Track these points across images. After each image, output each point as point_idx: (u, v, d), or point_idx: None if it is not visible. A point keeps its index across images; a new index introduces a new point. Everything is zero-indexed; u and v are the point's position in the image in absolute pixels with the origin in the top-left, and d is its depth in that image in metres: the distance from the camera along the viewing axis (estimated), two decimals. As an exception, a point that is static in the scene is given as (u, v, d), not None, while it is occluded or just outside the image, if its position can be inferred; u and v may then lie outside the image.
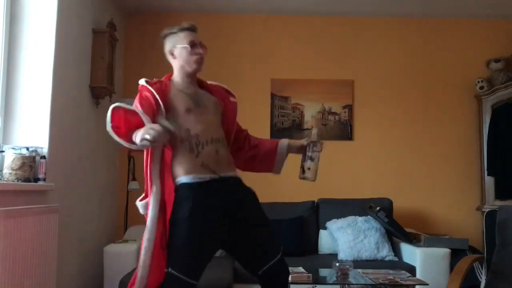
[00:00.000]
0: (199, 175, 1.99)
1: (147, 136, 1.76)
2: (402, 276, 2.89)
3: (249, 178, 4.63)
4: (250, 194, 2.17)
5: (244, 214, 2.06)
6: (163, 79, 2.24)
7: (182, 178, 2.00)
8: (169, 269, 1.89)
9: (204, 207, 1.95)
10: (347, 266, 2.84)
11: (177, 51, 2.21)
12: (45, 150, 2.83)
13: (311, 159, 2.21)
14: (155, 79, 2.19)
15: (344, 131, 4.59)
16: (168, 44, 2.26)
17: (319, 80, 4.60)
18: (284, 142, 2.41)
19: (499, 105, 4.38)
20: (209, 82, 2.41)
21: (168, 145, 2.05)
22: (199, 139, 2.02)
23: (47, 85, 2.90)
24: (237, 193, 2.10)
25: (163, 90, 2.10)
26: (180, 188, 2.00)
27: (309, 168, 2.23)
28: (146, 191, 1.99)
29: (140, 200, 2.02)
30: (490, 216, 2.78)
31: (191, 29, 2.23)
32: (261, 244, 2.07)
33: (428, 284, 2.86)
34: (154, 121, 1.97)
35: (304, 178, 2.26)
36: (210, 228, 1.95)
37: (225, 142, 2.16)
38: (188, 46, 2.18)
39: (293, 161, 4.64)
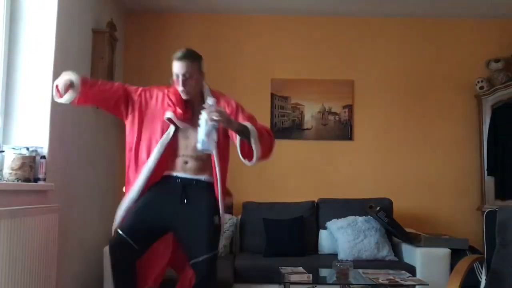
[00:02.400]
0: (169, 171, 2.45)
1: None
2: (402, 276, 2.89)
3: (250, 178, 4.66)
4: (204, 197, 2.43)
5: (189, 210, 2.38)
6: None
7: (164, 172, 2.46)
8: (116, 227, 2.41)
9: (162, 192, 2.41)
10: (347, 266, 2.84)
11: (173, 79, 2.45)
12: (45, 150, 2.83)
13: (199, 125, 2.20)
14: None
15: (344, 131, 4.59)
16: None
17: (319, 80, 4.60)
18: None
19: (499, 105, 4.38)
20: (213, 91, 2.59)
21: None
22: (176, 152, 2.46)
23: (47, 85, 2.90)
24: (191, 192, 2.41)
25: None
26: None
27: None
28: None
29: None
30: (490, 216, 2.78)
31: (178, 59, 2.38)
32: (192, 241, 2.35)
33: (428, 284, 2.86)
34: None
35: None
36: (157, 206, 2.39)
37: (192, 154, 2.43)
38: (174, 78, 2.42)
39: (292, 162, 4.65)
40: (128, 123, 2.48)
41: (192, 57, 2.40)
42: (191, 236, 2.35)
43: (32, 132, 2.84)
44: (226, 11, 4.58)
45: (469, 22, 4.67)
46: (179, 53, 2.37)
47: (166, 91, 2.47)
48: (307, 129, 4.58)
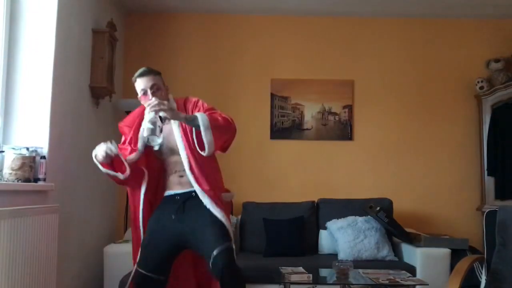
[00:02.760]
0: (167, 190, 2.45)
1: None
2: (402, 276, 2.89)
3: (250, 178, 4.65)
4: (202, 205, 2.34)
5: (191, 219, 2.34)
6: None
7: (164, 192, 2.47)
8: (135, 266, 2.35)
9: (163, 212, 2.39)
10: (347, 266, 2.84)
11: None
12: (45, 150, 2.83)
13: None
14: None
15: (344, 131, 4.59)
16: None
17: (319, 80, 4.60)
18: None
19: (499, 105, 4.38)
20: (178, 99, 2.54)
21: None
22: (169, 169, 2.45)
23: (47, 85, 2.90)
24: (191, 203, 2.36)
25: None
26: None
27: None
28: None
29: None
30: (490, 216, 2.78)
31: (142, 75, 2.38)
32: (204, 241, 2.28)
33: (428, 284, 2.85)
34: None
35: None
36: (160, 227, 2.36)
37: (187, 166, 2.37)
38: (139, 95, 2.41)
39: (292, 162, 4.65)
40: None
41: (154, 72, 2.41)
42: (200, 238, 2.28)
43: (32, 132, 2.85)
44: (226, 11, 4.59)
45: (469, 22, 4.67)
46: (140, 71, 2.38)
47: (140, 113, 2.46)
48: (307, 129, 4.58)
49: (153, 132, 2.18)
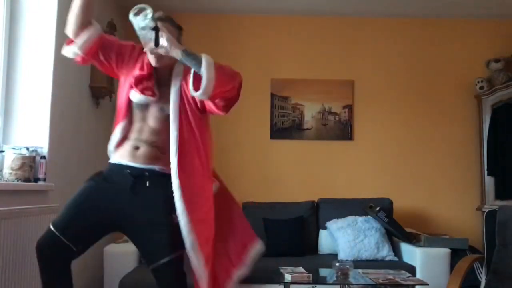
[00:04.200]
0: (115, 159, 2.09)
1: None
2: (402, 276, 2.89)
3: (250, 178, 4.65)
4: (159, 192, 2.02)
5: (142, 208, 2.00)
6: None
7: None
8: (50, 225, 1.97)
9: (105, 183, 2.04)
10: (347, 266, 2.84)
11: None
12: (45, 150, 2.83)
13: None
14: None
15: (344, 131, 4.59)
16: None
17: (319, 80, 4.60)
18: None
19: (499, 105, 4.38)
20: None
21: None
22: (128, 134, 2.09)
23: (47, 85, 2.90)
24: (144, 185, 2.02)
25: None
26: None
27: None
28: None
29: None
30: (490, 216, 2.78)
31: (159, 19, 2.09)
32: (149, 243, 2.00)
33: (428, 284, 2.85)
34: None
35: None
36: (99, 199, 2.01)
37: (148, 136, 2.06)
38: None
39: (292, 162, 4.65)
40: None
41: (173, 22, 2.14)
42: (147, 237, 1.97)
43: (32, 132, 2.85)
44: (227, 11, 4.59)
45: (469, 22, 4.67)
46: (158, 13, 2.05)
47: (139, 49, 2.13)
48: (307, 129, 4.58)
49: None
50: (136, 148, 2.05)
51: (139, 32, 2.05)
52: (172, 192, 1.98)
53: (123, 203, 1.99)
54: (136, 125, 2.08)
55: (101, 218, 2.00)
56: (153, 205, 1.99)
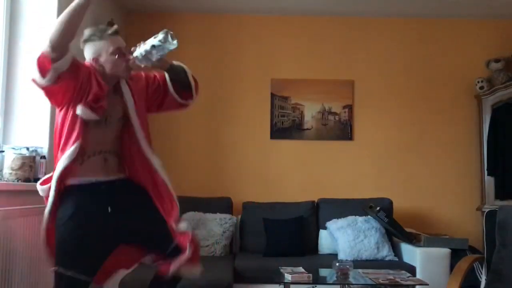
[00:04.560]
0: (83, 178, 2.03)
1: None
2: (402, 276, 2.89)
3: (250, 178, 4.65)
4: (139, 194, 2.13)
5: (130, 211, 2.08)
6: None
7: (70, 180, 2.02)
8: (57, 269, 1.93)
9: (88, 206, 2.00)
10: (347, 266, 2.84)
11: (102, 59, 2.07)
12: (45, 150, 2.83)
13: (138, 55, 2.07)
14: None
15: (344, 131, 4.59)
16: (88, 52, 2.10)
17: (319, 80, 4.60)
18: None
19: (499, 105, 4.38)
20: None
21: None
22: (85, 150, 2.03)
23: (47, 85, 2.90)
24: (123, 192, 2.09)
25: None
26: (66, 190, 2.02)
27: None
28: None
29: (41, 184, 2.08)
30: (490, 216, 2.78)
31: (116, 33, 2.11)
32: (155, 237, 2.10)
33: (428, 284, 2.86)
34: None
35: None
36: (93, 225, 1.99)
37: (118, 152, 2.14)
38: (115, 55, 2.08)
39: (292, 162, 4.65)
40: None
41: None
42: (152, 233, 2.09)
43: (32, 132, 2.85)
44: (226, 11, 4.58)
45: (469, 22, 4.66)
46: (113, 28, 2.08)
47: (92, 69, 2.04)
48: (307, 129, 4.58)
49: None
50: (105, 160, 2.08)
51: (149, 50, 2.08)
52: (138, 192, 2.11)
53: (118, 217, 2.04)
54: (94, 139, 2.05)
55: (108, 242, 2.05)
56: (139, 205, 2.10)
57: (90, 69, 2.04)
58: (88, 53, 2.09)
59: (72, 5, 1.87)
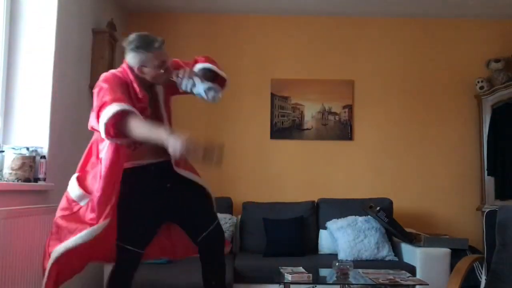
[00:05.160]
0: (137, 160, 2.24)
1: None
2: (402, 276, 2.89)
3: (250, 178, 4.65)
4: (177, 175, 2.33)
5: (176, 188, 2.29)
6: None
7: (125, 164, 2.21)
8: (117, 242, 2.19)
9: (141, 185, 2.23)
10: (347, 266, 2.84)
11: (146, 70, 2.21)
12: (45, 150, 2.83)
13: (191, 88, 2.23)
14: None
15: (344, 131, 4.59)
16: (132, 60, 2.21)
17: (319, 80, 4.60)
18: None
19: (499, 105, 4.38)
20: None
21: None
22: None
23: (47, 85, 2.90)
24: (171, 173, 2.28)
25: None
26: (124, 173, 2.19)
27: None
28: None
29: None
30: (490, 216, 2.78)
31: (162, 47, 2.26)
32: (197, 213, 2.33)
33: (428, 284, 2.86)
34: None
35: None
36: (147, 201, 2.23)
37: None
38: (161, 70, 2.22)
39: (292, 161, 4.64)
40: None
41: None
42: (193, 212, 2.31)
43: (32, 132, 2.84)
44: (226, 11, 4.58)
45: (469, 22, 4.66)
46: (159, 40, 2.23)
47: (129, 80, 2.19)
48: (307, 129, 4.58)
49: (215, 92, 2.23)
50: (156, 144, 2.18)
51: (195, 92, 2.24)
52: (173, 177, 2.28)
53: (163, 198, 2.26)
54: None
55: (158, 218, 2.28)
56: (186, 184, 2.29)
57: (127, 79, 2.18)
58: (133, 61, 2.19)
59: (153, 134, 2.04)
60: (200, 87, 2.20)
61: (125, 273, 2.27)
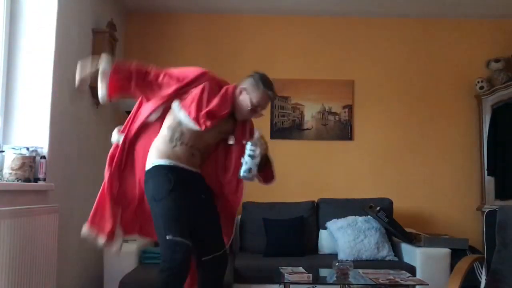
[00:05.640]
0: (175, 161, 2.26)
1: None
2: (402, 276, 2.89)
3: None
4: (209, 190, 2.42)
5: (206, 203, 2.35)
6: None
7: (158, 160, 2.25)
8: (168, 237, 2.11)
9: (183, 184, 2.23)
10: (347, 266, 2.84)
11: (242, 97, 2.35)
12: (45, 150, 2.83)
13: (250, 156, 2.24)
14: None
15: (344, 131, 4.59)
16: (246, 84, 2.37)
17: (319, 80, 4.60)
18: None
19: (499, 105, 4.38)
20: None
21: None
22: (181, 138, 2.28)
23: (47, 85, 2.90)
24: (203, 184, 2.38)
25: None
26: (155, 169, 2.25)
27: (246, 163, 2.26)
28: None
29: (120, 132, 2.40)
30: (490, 216, 2.78)
31: (270, 91, 2.34)
32: (211, 234, 2.33)
33: (428, 284, 2.85)
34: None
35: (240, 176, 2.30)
36: (187, 201, 2.24)
37: (205, 154, 2.38)
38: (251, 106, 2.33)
39: (292, 162, 4.64)
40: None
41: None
42: (210, 225, 2.33)
43: (32, 132, 2.84)
44: (226, 11, 4.58)
45: (469, 22, 4.67)
46: (270, 84, 2.33)
47: (233, 92, 2.36)
48: (307, 129, 4.58)
49: (253, 177, 2.28)
50: (193, 154, 2.30)
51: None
52: (205, 192, 2.36)
53: (195, 202, 2.29)
54: (194, 135, 2.28)
55: (190, 217, 2.26)
56: (208, 202, 2.35)
57: (228, 91, 2.32)
58: (245, 84, 2.34)
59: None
60: (248, 162, 2.23)
61: (180, 270, 2.16)
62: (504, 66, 4.40)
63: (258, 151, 2.21)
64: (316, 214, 4.15)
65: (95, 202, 2.33)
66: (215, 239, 2.35)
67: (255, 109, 2.32)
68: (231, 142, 2.36)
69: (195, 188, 2.31)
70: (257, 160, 2.23)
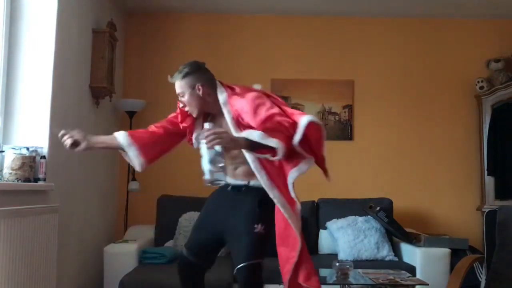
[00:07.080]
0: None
1: None
2: (402, 276, 2.89)
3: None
4: (248, 203, 2.30)
5: (236, 218, 2.28)
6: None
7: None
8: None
9: (216, 201, 2.36)
10: (347, 266, 2.84)
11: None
12: (45, 150, 2.82)
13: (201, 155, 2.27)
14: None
15: (344, 131, 4.59)
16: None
17: (319, 80, 4.60)
18: None
19: (499, 105, 4.38)
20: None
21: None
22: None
23: (47, 85, 2.90)
24: (239, 198, 2.32)
25: None
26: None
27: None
28: None
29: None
30: (490, 216, 2.78)
31: (172, 79, 2.40)
32: (234, 248, 2.29)
33: (428, 284, 2.86)
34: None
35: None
36: (213, 217, 2.32)
37: (241, 159, 2.27)
38: None
39: (293, 161, 4.60)
40: None
41: (181, 74, 2.33)
42: (234, 242, 2.28)
43: (32, 132, 2.84)
44: (226, 11, 4.58)
45: (469, 22, 4.67)
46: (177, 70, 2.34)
47: None
48: (307, 129, 4.57)
49: (217, 175, 2.25)
50: (235, 168, 2.33)
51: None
52: (261, 204, 2.30)
53: (226, 216, 2.29)
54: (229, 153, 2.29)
55: (215, 233, 2.31)
56: (241, 215, 2.27)
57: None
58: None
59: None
60: (205, 162, 2.26)
61: (185, 279, 2.36)
62: (504, 66, 4.40)
63: (204, 147, 2.20)
64: (316, 214, 4.15)
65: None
66: (239, 251, 2.27)
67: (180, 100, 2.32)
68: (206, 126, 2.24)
69: (230, 201, 2.33)
70: (208, 157, 2.22)
